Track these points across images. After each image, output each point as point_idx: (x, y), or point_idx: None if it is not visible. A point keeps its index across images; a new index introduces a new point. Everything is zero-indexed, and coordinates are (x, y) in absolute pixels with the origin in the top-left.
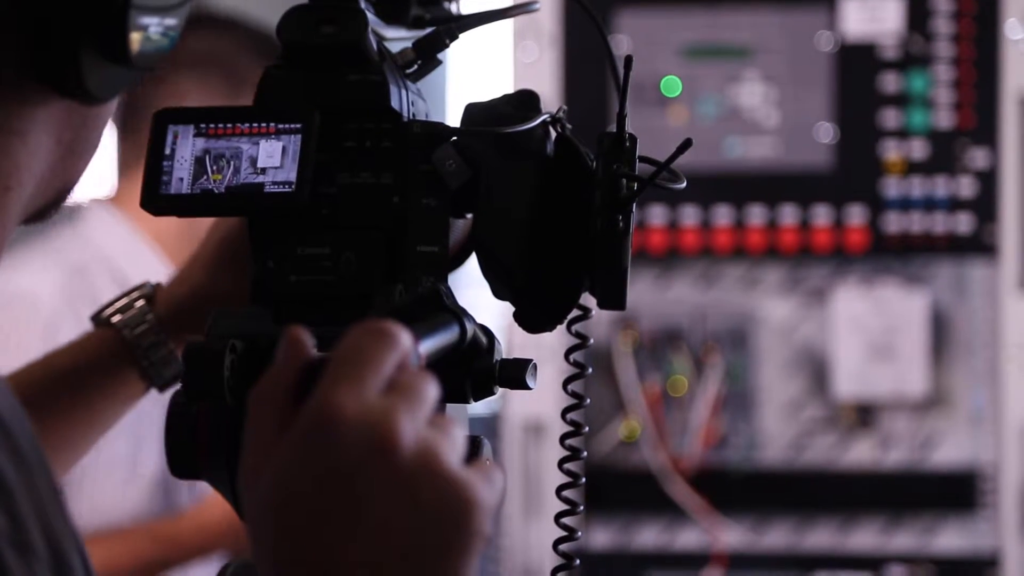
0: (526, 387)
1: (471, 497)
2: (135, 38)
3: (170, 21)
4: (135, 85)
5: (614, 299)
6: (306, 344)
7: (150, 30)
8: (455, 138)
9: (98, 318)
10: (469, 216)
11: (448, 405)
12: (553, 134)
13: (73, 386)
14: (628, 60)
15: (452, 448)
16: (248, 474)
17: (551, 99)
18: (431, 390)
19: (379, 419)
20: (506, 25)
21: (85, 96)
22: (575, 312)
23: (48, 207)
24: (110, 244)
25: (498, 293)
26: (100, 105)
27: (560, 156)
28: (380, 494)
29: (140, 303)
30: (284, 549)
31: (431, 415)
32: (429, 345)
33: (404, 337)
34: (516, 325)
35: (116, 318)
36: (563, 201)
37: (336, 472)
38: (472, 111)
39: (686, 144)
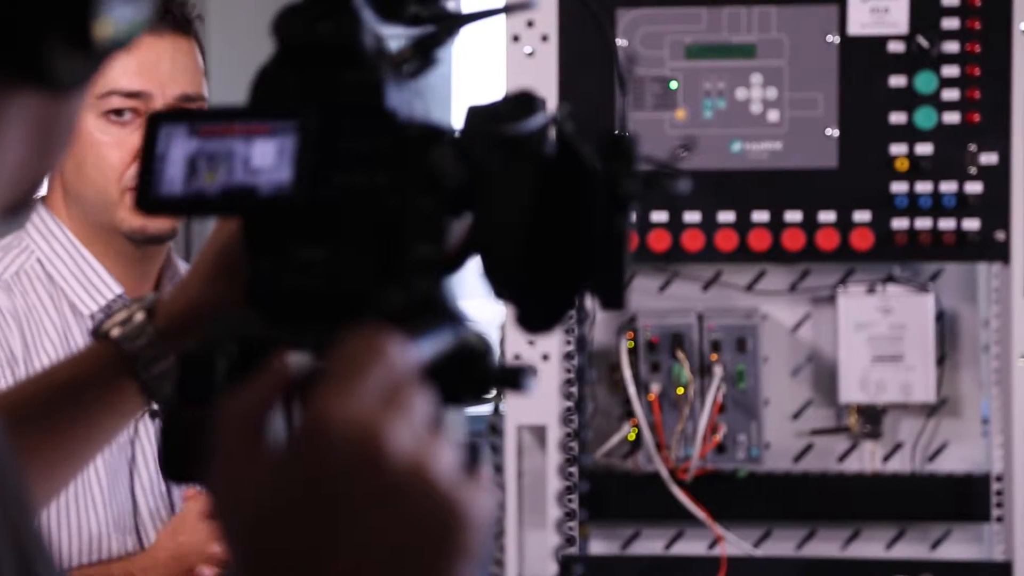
0: (524, 391)
1: (460, 512)
2: (102, 24)
3: (136, 5)
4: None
5: (614, 299)
6: (289, 362)
7: (116, 15)
8: (453, 138)
9: (98, 331)
10: (467, 217)
11: (446, 410)
12: (554, 134)
13: (71, 400)
14: (631, 59)
15: (443, 461)
16: (222, 489)
17: (548, 96)
18: (425, 401)
19: (369, 429)
20: (502, 21)
21: (53, 86)
22: (575, 315)
23: (20, 202)
24: (47, 248)
25: (498, 294)
26: (69, 95)
27: (560, 156)
28: (367, 505)
29: (140, 316)
30: (268, 559)
31: (424, 427)
32: (425, 350)
33: (399, 346)
34: (514, 329)
35: (115, 331)
36: (563, 201)
37: (323, 481)
38: (472, 112)
39: (689, 144)
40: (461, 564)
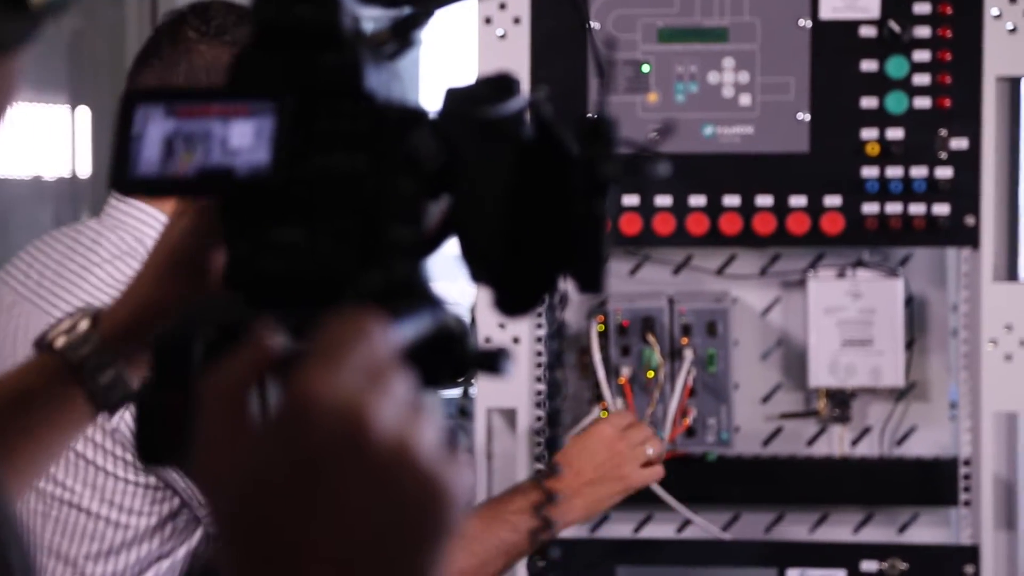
0: (499, 375)
1: (441, 490)
2: None
3: None
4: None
5: (592, 283)
6: (271, 338)
7: None
8: (432, 120)
9: (42, 342)
10: (445, 200)
11: (426, 392)
12: (533, 118)
13: (18, 413)
14: (611, 43)
15: (426, 440)
16: (207, 461)
17: (520, 79)
18: (407, 379)
19: (354, 408)
20: (474, 3)
21: None
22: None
23: None
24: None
25: (476, 277)
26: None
27: (539, 140)
28: (350, 481)
29: (84, 324)
30: (252, 530)
31: (407, 404)
32: (405, 332)
33: (380, 326)
34: (487, 312)
35: (60, 341)
36: (542, 185)
37: (309, 461)
38: (451, 95)
39: (668, 128)
40: (440, 541)
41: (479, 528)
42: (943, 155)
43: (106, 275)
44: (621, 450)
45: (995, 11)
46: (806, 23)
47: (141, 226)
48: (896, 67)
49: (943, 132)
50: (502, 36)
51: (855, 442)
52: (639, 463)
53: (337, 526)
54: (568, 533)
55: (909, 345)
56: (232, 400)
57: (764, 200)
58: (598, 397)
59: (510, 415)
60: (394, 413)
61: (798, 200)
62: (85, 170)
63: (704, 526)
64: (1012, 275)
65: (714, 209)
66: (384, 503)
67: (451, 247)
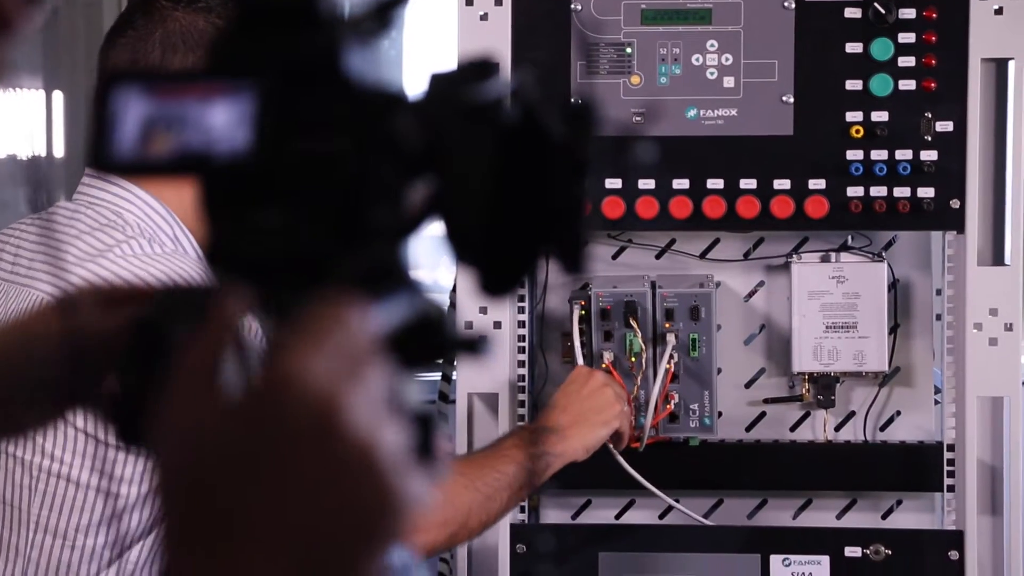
0: (479, 359)
1: (396, 500)
2: None
3: None
4: None
5: (572, 263)
6: (235, 309)
7: None
8: (414, 103)
9: None
10: (427, 182)
11: (404, 379)
12: (515, 101)
13: None
14: (593, 25)
15: (393, 443)
16: (166, 428)
17: (502, 60)
18: (385, 370)
19: (328, 398)
20: None
21: None
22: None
23: None
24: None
25: (459, 258)
26: None
27: (521, 123)
28: (308, 469)
29: None
30: (199, 506)
31: (381, 401)
32: (386, 316)
33: (361, 312)
34: (468, 297)
35: None
36: (523, 167)
37: (269, 437)
38: (434, 79)
39: (655, 112)
40: (381, 547)
41: (478, 466)
42: (928, 138)
43: (87, 246)
44: (599, 379)
45: None
46: (790, 4)
47: (118, 200)
48: (881, 49)
49: (928, 114)
50: (483, 17)
51: (839, 427)
52: (621, 396)
53: (282, 507)
54: (549, 519)
55: (893, 330)
56: (198, 368)
57: (748, 183)
58: None
59: (492, 400)
60: (367, 409)
61: (782, 183)
62: (59, 152)
63: (686, 512)
64: (997, 259)
65: (697, 192)
66: (334, 498)
67: (434, 229)
